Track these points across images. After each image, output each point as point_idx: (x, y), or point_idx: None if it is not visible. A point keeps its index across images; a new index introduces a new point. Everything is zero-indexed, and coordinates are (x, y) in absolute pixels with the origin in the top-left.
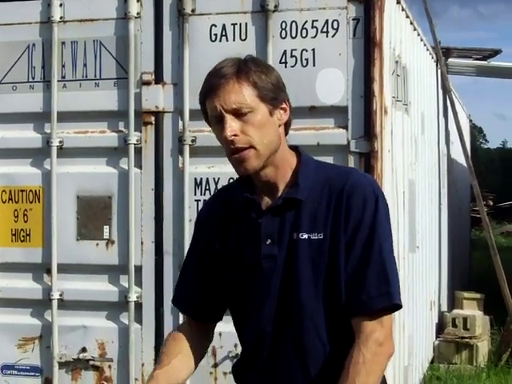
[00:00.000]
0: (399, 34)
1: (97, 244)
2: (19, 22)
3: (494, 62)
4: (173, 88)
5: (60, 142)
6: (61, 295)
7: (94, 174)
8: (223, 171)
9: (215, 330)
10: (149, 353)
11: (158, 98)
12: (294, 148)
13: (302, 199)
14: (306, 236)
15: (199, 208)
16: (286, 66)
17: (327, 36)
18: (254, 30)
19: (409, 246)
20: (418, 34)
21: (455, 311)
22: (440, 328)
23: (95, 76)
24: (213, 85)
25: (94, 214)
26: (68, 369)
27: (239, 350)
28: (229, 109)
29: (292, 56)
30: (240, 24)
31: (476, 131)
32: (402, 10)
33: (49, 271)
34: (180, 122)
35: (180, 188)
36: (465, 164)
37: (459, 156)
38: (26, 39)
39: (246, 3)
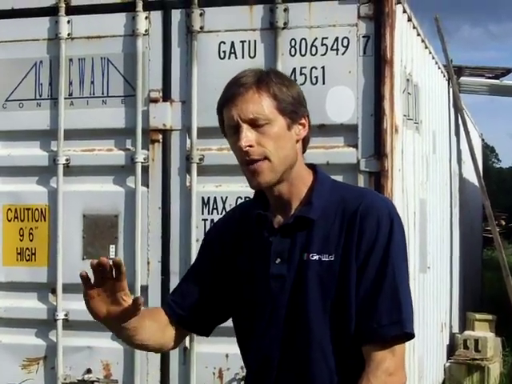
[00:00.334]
0: (410, 51)
1: None
2: (27, 38)
3: (507, 81)
4: (181, 106)
5: (67, 160)
6: (66, 315)
7: (100, 193)
8: (231, 190)
9: (221, 352)
10: (154, 374)
11: (166, 115)
12: (311, 166)
13: (314, 219)
14: (316, 257)
15: (207, 227)
16: None
17: (337, 53)
18: (262, 48)
19: (420, 266)
20: (430, 52)
21: (466, 333)
22: (451, 349)
23: (102, 93)
24: (232, 93)
25: (100, 233)
26: None
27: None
28: (246, 119)
29: (301, 74)
30: (249, 41)
31: (488, 150)
32: (414, 27)
33: (54, 291)
34: (188, 140)
35: (187, 207)
36: (477, 183)
37: (471, 175)
38: (34, 56)
39: (255, 20)
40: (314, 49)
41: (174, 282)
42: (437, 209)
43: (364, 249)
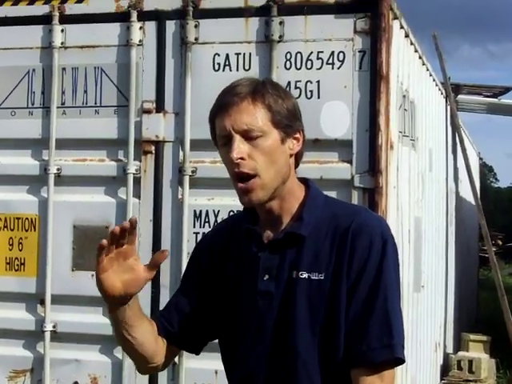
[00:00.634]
0: (407, 67)
1: (92, 275)
2: (20, 46)
3: (505, 100)
4: (174, 117)
5: (58, 169)
6: (54, 327)
7: (91, 203)
8: (223, 203)
9: (211, 368)
10: None
11: (159, 127)
12: (304, 180)
13: (304, 235)
14: (305, 275)
15: (198, 241)
16: None
17: (333, 68)
18: (257, 60)
19: (414, 285)
20: (427, 69)
21: (460, 353)
22: (444, 370)
23: (95, 103)
24: (225, 102)
25: (90, 244)
26: None
27: None
28: (239, 129)
29: (296, 87)
30: (244, 54)
31: (486, 170)
32: (411, 43)
33: (42, 302)
34: (181, 152)
35: (179, 220)
36: (473, 202)
37: (468, 194)
38: (26, 64)
39: (251, 33)
40: (309, 62)
41: (165, 295)
42: (432, 227)
43: (355, 268)
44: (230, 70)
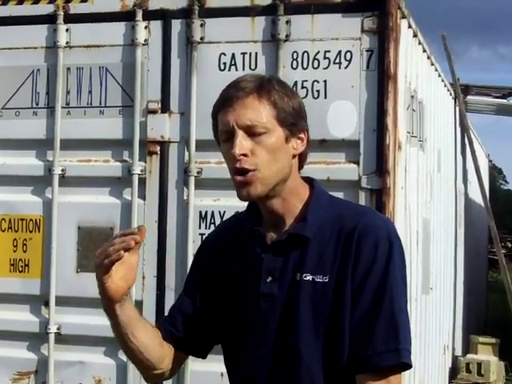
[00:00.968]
0: (415, 67)
1: None
2: (24, 46)
3: None
4: (179, 117)
5: (62, 170)
6: (58, 329)
7: (96, 204)
8: (229, 204)
9: (216, 370)
10: None
11: (164, 127)
12: (309, 180)
13: (309, 236)
14: (309, 277)
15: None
16: None
17: (340, 67)
18: (264, 60)
19: (422, 287)
20: (436, 70)
21: (469, 356)
22: (453, 373)
23: (100, 103)
24: (230, 96)
25: (95, 246)
26: None
27: None
28: (242, 125)
29: (303, 87)
30: (250, 53)
31: (496, 172)
32: (419, 43)
33: (47, 303)
34: (186, 153)
35: (184, 221)
36: (482, 204)
37: (477, 196)
38: (31, 64)
39: (257, 32)
40: (316, 62)
41: (170, 297)
42: (441, 229)
43: (361, 270)
44: (236, 70)
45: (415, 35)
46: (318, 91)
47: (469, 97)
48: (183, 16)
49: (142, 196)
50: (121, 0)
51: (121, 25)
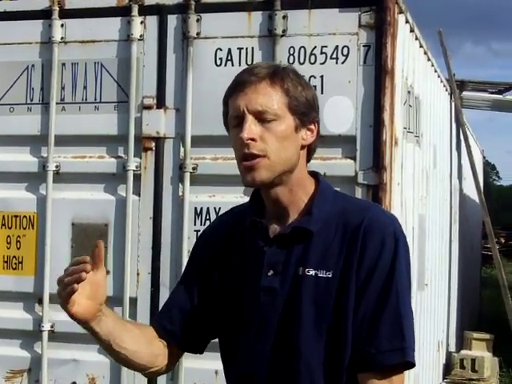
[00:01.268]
0: (412, 63)
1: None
2: (19, 41)
3: (510, 97)
4: (175, 113)
5: (56, 166)
6: (52, 327)
7: (90, 201)
8: (225, 201)
9: (211, 367)
10: None
11: (160, 123)
12: (314, 174)
13: (313, 231)
14: (312, 272)
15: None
16: None
17: (337, 62)
18: (260, 55)
19: (417, 283)
20: (432, 65)
21: (463, 352)
22: (447, 369)
23: (95, 99)
24: (242, 81)
25: (89, 242)
26: None
27: None
28: (253, 110)
29: None
30: (246, 48)
31: (489, 168)
32: (416, 38)
33: (40, 301)
34: (181, 149)
35: (179, 217)
36: (477, 200)
37: (472, 192)
38: (26, 60)
39: (253, 27)
40: (312, 57)
41: (164, 294)
42: (436, 225)
43: (366, 267)
44: (233, 65)
45: (412, 30)
46: (314, 86)
47: (464, 92)
48: (179, 11)
49: (137, 192)
50: None
51: (116, 20)
